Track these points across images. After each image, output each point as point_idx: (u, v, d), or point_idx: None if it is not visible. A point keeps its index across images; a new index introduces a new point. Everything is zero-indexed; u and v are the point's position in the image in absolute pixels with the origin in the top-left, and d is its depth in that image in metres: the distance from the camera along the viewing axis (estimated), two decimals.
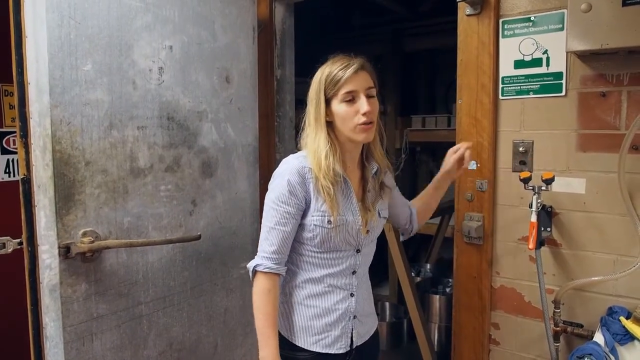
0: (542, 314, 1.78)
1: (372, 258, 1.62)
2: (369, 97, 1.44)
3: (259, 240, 1.49)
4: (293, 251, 1.50)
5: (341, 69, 1.42)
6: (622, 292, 1.71)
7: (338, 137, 1.48)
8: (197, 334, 2.14)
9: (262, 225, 1.48)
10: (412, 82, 4.60)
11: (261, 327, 1.44)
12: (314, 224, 1.44)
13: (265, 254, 1.45)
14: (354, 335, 1.54)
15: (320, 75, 1.46)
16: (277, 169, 1.50)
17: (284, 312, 1.54)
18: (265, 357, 1.42)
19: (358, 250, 1.52)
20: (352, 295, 1.53)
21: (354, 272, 1.52)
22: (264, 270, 1.44)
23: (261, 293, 1.44)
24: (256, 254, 1.49)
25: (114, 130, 1.80)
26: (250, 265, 1.47)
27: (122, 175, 1.83)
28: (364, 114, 1.41)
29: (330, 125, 1.47)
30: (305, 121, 1.51)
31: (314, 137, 1.46)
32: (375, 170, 1.57)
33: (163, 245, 1.96)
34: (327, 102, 1.45)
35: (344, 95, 1.42)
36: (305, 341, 1.50)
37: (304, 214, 1.46)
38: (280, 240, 1.44)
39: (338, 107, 1.43)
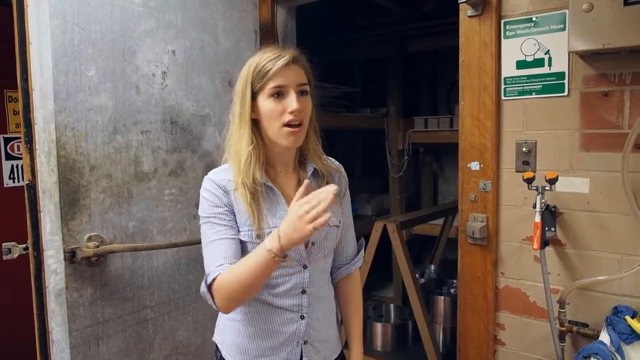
0: (547, 314, 1.78)
1: (328, 275, 1.45)
2: (300, 94, 1.27)
3: (205, 265, 1.27)
4: None
5: (270, 60, 1.25)
6: (627, 292, 1.70)
7: (264, 138, 1.31)
8: (203, 337, 2.14)
9: (203, 249, 1.29)
10: (414, 84, 4.60)
11: (252, 264, 1.16)
12: (243, 241, 1.28)
13: (217, 266, 1.22)
14: None
15: (249, 66, 1.29)
16: None
17: (223, 329, 1.40)
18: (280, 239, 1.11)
19: (305, 266, 1.33)
20: (302, 317, 1.34)
21: (303, 292, 1.34)
22: (216, 275, 1.20)
23: (225, 278, 1.19)
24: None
25: (118, 135, 1.81)
26: (203, 289, 1.23)
27: (126, 179, 1.84)
28: (291, 112, 1.24)
29: (256, 124, 1.30)
30: (229, 120, 1.34)
31: (237, 137, 1.29)
32: (311, 172, 1.37)
33: (168, 249, 1.97)
34: (254, 96, 1.27)
35: (271, 90, 1.25)
36: None
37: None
38: (227, 249, 1.24)
39: (264, 102, 1.26)
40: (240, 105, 1.28)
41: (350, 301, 1.54)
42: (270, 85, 1.24)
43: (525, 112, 1.85)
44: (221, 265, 1.23)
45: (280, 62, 1.24)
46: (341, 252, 1.50)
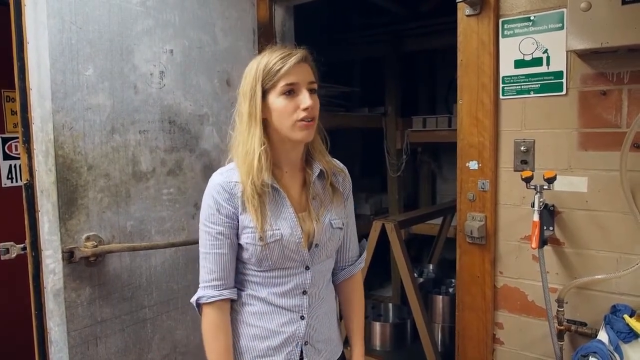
0: (545, 312, 1.78)
1: (329, 276, 1.45)
2: (310, 92, 1.28)
3: (200, 269, 1.34)
4: (236, 270, 1.36)
5: (282, 58, 1.25)
6: (625, 290, 1.70)
7: (272, 138, 1.30)
8: (201, 336, 2.14)
9: (200, 252, 1.34)
10: (412, 83, 4.60)
11: None
12: (246, 242, 1.28)
13: (206, 283, 1.30)
14: None
15: (257, 65, 1.28)
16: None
17: None
18: None
19: (307, 268, 1.34)
20: (302, 318, 1.35)
21: (304, 292, 1.34)
22: (209, 301, 1.29)
23: (209, 330, 1.31)
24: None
25: (116, 135, 1.81)
26: (193, 299, 1.32)
27: (124, 179, 1.83)
28: (304, 109, 1.25)
29: (264, 123, 1.29)
30: (235, 120, 1.33)
31: (246, 137, 1.28)
32: (317, 172, 1.38)
33: (166, 248, 1.97)
34: (263, 95, 1.27)
35: (283, 87, 1.25)
36: None
37: (238, 233, 1.31)
38: (219, 265, 1.30)
39: (276, 100, 1.26)
40: (250, 104, 1.27)
41: (353, 302, 1.55)
42: (282, 83, 1.25)
43: (524, 111, 1.85)
44: (215, 280, 1.30)
45: (293, 60, 1.24)
46: (343, 254, 1.51)
